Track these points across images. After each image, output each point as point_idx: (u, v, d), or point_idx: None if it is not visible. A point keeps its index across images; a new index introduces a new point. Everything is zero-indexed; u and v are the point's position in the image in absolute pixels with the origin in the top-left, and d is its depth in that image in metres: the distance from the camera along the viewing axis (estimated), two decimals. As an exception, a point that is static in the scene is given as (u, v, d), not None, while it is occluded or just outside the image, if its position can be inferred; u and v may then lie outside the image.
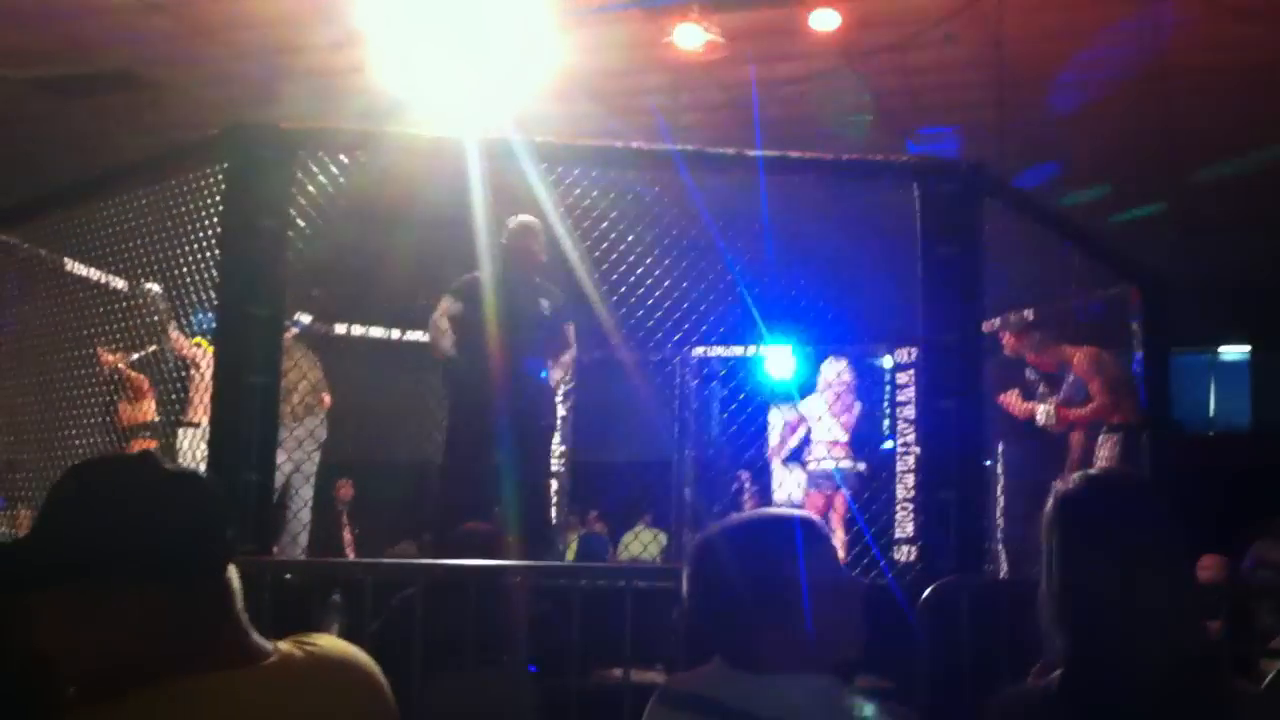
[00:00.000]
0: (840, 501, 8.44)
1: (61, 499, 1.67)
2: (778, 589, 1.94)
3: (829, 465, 8.40)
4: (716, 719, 1.93)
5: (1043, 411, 7.35)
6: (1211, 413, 17.09)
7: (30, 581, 1.62)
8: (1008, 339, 7.41)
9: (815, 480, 8.60)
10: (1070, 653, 1.89)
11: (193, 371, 6.44)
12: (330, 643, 1.77)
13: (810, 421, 8.70)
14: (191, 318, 6.06)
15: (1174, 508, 1.95)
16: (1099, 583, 1.87)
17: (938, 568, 4.59)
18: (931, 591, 3.98)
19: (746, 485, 9.61)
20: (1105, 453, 7.09)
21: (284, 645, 1.72)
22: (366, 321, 8.74)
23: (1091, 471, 2.03)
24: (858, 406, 8.51)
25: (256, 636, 1.70)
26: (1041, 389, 7.67)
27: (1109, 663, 1.85)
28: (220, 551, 1.71)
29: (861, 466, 8.38)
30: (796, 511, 2.10)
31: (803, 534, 2.00)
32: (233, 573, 1.71)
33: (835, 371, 8.58)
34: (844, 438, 8.42)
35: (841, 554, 8.30)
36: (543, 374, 6.65)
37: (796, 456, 8.81)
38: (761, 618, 1.94)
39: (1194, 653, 1.87)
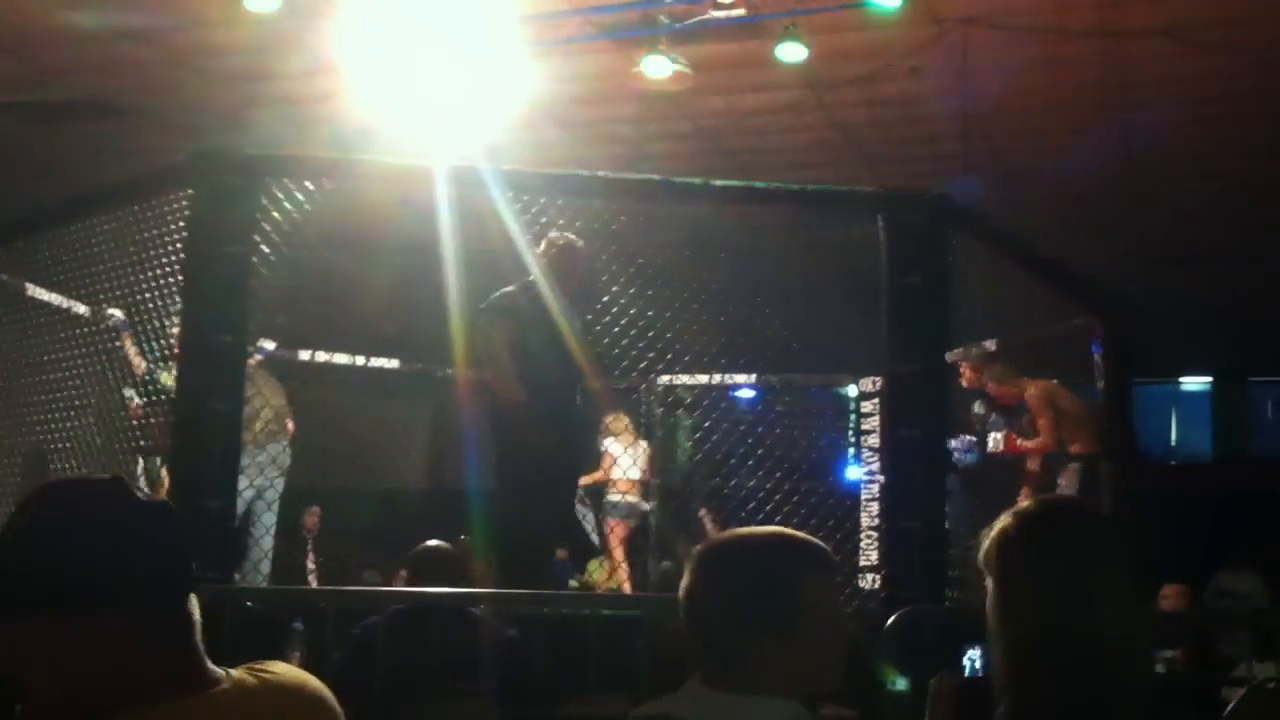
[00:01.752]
0: (626, 531, 9.35)
1: (28, 520, 1.64)
2: (779, 608, 1.94)
3: (630, 500, 9.21)
4: None
5: (993, 439, 7.45)
6: (1173, 442, 17.24)
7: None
8: (966, 372, 7.45)
9: (613, 511, 9.37)
10: (1012, 685, 1.85)
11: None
12: (285, 670, 1.76)
13: (614, 460, 9.38)
14: (154, 344, 6.02)
15: (1125, 537, 1.93)
16: (1038, 612, 1.85)
17: (901, 596, 4.60)
18: (895, 619, 3.99)
19: (707, 522, 9.67)
20: (1065, 483, 7.16)
21: (237, 673, 1.71)
22: (333, 348, 8.71)
23: (1034, 500, 2.01)
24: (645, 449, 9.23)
25: (210, 665, 1.69)
26: (993, 418, 7.76)
27: (1047, 700, 1.81)
28: (187, 582, 1.69)
29: (647, 505, 9.22)
30: (813, 540, 2.10)
31: (816, 562, 2.01)
32: (194, 603, 1.70)
33: (624, 424, 9.20)
34: (639, 476, 9.11)
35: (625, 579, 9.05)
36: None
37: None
38: (755, 633, 1.93)
39: (1141, 686, 1.85)
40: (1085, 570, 1.87)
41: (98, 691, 1.59)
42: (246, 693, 1.67)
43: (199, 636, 1.69)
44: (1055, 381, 7.75)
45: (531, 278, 6.05)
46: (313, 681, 1.78)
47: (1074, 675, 1.81)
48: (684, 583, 2.02)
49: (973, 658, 4.06)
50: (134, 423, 6.22)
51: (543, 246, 6.09)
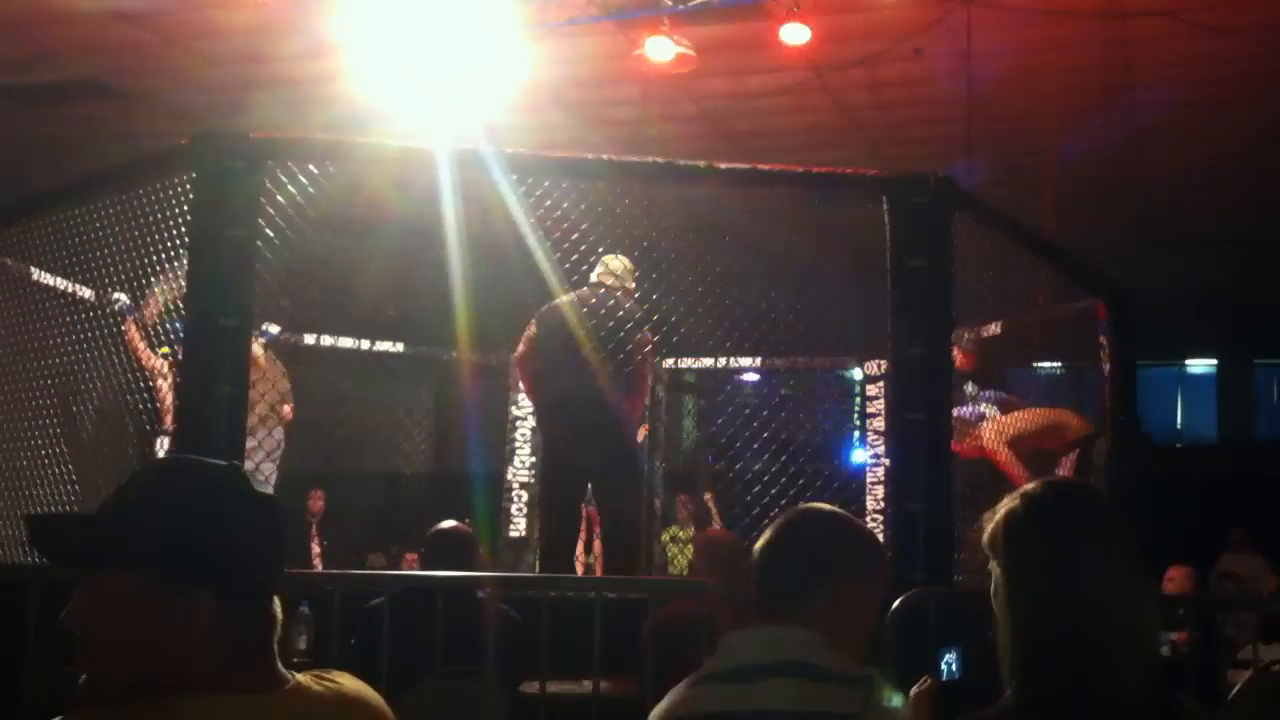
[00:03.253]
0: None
1: (142, 485, 1.65)
2: (856, 559, 2.23)
3: None
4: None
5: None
6: (1179, 424, 17.24)
7: (99, 559, 1.59)
8: (959, 356, 7.34)
9: None
10: (1018, 668, 1.85)
11: (159, 381, 6.38)
12: (350, 682, 1.76)
13: None
14: (159, 327, 6.01)
15: (1125, 520, 1.92)
16: (1044, 596, 1.84)
17: (907, 578, 4.60)
18: (901, 602, 3.99)
19: (711, 505, 9.68)
20: (1064, 467, 7.11)
21: (304, 677, 1.71)
22: (337, 332, 8.70)
23: (1040, 483, 1.98)
24: None
25: (280, 666, 1.69)
26: (985, 398, 7.65)
27: (1056, 683, 1.81)
28: (278, 580, 1.70)
29: None
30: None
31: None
32: (276, 603, 1.70)
33: None
34: None
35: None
36: None
37: None
38: (826, 578, 2.17)
39: (1147, 669, 1.84)
40: (1091, 553, 1.86)
41: (167, 671, 1.58)
42: (310, 698, 1.67)
43: (276, 635, 1.69)
44: (1016, 412, 7.45)
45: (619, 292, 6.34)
46: (376, 697, 1.78)
47: (1080, 658, 1.80)
48: (764, 539, 2.25)
49: (950, 661, 4.05)
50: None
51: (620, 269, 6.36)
